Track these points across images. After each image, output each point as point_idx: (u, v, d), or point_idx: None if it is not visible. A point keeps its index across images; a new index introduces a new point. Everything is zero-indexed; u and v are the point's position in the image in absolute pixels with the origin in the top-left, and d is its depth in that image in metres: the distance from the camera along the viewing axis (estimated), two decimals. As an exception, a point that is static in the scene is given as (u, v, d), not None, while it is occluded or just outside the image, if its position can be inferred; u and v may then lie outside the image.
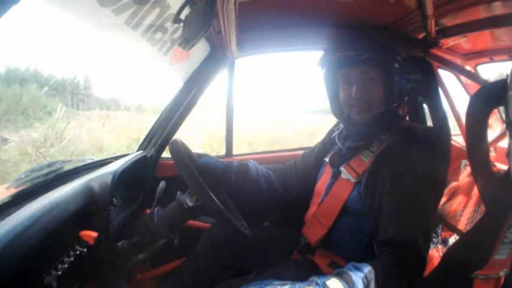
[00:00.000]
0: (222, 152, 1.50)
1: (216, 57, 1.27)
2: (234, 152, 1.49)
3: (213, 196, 0.82)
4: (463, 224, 1.28)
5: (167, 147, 1.17)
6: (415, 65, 1.05)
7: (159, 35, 0.93)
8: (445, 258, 0.82)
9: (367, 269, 0.69)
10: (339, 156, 0.97)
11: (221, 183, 1.02)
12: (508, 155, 0.65)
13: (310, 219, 0.96)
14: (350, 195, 0.87)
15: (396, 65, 0.88)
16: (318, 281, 0.68)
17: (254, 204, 1.08)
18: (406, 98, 0.95)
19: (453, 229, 1.30)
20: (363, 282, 0.67)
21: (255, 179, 1.04)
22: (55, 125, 4.52)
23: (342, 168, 0.90)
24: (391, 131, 0.89)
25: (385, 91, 0.87)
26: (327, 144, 1.09)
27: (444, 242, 1.25)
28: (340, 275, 0.68)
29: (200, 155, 1.03)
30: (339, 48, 0.90)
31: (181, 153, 0.87)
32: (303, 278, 0.72)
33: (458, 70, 1.52)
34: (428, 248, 0.77)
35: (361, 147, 0.90)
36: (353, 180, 0.87)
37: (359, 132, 0.92)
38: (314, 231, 0.93)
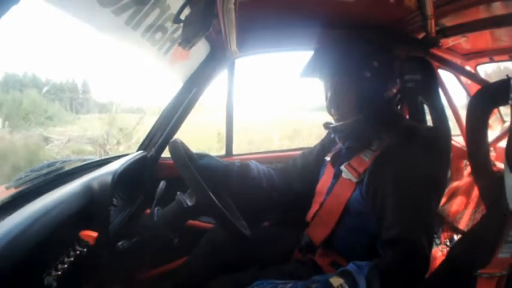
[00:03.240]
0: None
1: (216, 57, 1.27)
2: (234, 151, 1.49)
3: (213, 197, 0.82)
4: (464, 224, 1.28)
5: (167, 147, 1.17)
6: (415, 65, 1.05)
7: (159, 35, 0.93)
8: (448, 257, 0.82)
9: (370, 267, 0.69)
10: (340, 156, 0.97)
11: (222, 183, 1.02)
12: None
13: (313, 220, 0.96)
14: (351, 195, 0.87)
15: (367, 74, 0.86)
16: (320, 279, 0.68)
17: (256, 203, 1.09)
18: (398, 96, 0.94)
19: (454, 229, 1.30)
20: (366, 280, 0.67)
21: (256, 179, 1.04)
22: (112, 123, 4.45)
23: (342, 168, 0.90)
24: (391, 130, 0.88)
25: (357, 101, 0.88)
26: (326, 144, 1.09)
27: (445, 242, 1.25)
28: (342, 274, 0.69)
29: (201, 155, 1.03)
30: (309, 64, 0.94)
31: (181, 153, 0.87)
32: (304, 278, 0.72)
33: (458, 70, 1.52)
34: (431, 247, 0.77)
35: (362, 147, 0.90)
36: (354, 179, 0.87)
37: (346, 138, 0.94)
38: (318, 232, 0.92)
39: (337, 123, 0.92)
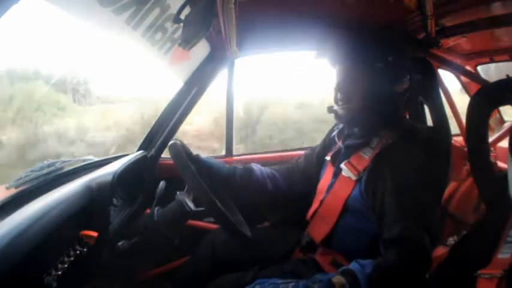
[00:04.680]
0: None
1: (216, 57, 1.27)
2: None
3: (214, 199, 0.82)
4: (464, 223, 1.28)
5: (167, 147, 1.17)
6: (415, 65, 1.05)
7: (159, 35, 0.93)
8: (448, 257, 0.82)
9: (373, 266, 0.69)
10: (340, 155, 0.97)
11: (225, 185, 1.01)
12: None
13: (313, 218, 0.96)
14: (351, 193, 0.87)
15: (379, 64, 0.87)
16: (323, 278, 0.68)
17: (259, 205, 1.09)
18: (407, 96, 0.94)
19: (454, 229, 1.30)
20: (368, 279, 0.67)
21: (260, 181, 1.04)
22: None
23: (342, 166, 0.90)
24: (391, 128, 0.88)
25: (365, 89, 0.88)
26: (327, 144, 1.09)
27: (445, 241, 1.25)
28: (344, 273, 0.69)
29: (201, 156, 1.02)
30: (325, 48, 0.95)
31: (182, 154, 0.86)
32: (305, 277, 0.72)
33: (458, 70, 1.52)
34: (433, 246, 0.77)
35: (360, 145, 0.90)
36: (354, 177, 0.87)
37: (347, 124, 0.94)
38: (318, 230, 0.92)
39: (340, 108, 0.91)
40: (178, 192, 0.92)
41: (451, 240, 1.26)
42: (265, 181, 1.05)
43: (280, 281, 0.71)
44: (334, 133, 1.02)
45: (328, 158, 1.02)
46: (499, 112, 1.64)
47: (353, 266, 0.70)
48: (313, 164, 1.09)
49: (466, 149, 0.93)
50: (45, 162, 0.94)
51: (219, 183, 1.00)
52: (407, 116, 1.18)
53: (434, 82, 1.05)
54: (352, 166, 0.88)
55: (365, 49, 0.90)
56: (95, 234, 0.73)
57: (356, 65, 0.89)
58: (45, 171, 0.90)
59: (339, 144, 0.98)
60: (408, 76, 0.92)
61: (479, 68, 1.63)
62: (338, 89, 0.92)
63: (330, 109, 0.95)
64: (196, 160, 0.98)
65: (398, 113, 0.96)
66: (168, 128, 1.28)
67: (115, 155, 1.17)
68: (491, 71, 1.74)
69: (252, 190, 1.04)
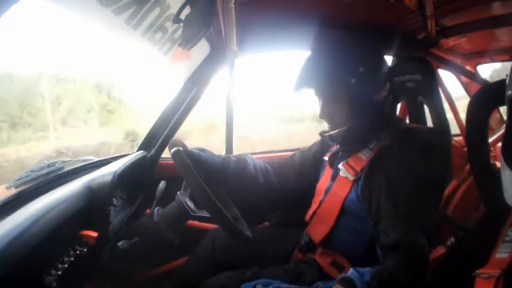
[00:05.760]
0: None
1: (216, 56, 1.27)
2: (234, 151, 1.49)
3: (214, 199, 0.82)
4: (464, 224, 1.28)
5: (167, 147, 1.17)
6: (415, 65, 1.05)
7: (159, 34, 0.93)
8: (446, 257, 0.83)
9: (372, 274, 0.69)
10: (337, 156, 0.97)
11: (218, 177, 1.00)
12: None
13: (312, 218, 0.96)
14: (348, 195, 0.87)
15: (353, 80, 0.85)
16: (323, 286, 0.68)
17: (251, 199, 1.07)
18: (390, 98, 0.93)
19: (453, 229, 1.30)
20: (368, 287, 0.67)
21: (252, 173, 1.03)
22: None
23: (340, 166, 0.90)
24: (387, 132, 0.88)
25: (347, 108, 0.87)
26: (324, 144, 1.09)
27: (445, 242, 1.25)
28: (344, 281, 0.69)
29: (199, 149, 1.02)
30: (300, 71, 0.92)
31: (181, 154, 0.86)
32: (304, 277, 0.72)
33: (458, 70, 1.52)
34: (431, 247, 0.77)
35: (357, 149, 0.90)
36: (351, 178, 0.87)
37: (343, 144, 0.93)
38: (317, 230, 0.92)
39: (332, 132, 0.90)
40: (178, 192, 0.92)
41: (451, 241, 1.26)
42: (257, 174, 1.04)
43: (284, 285, 0.71)
44: None
45: (326, 158, 1.02)
46: (499, 112, 1.63)
47: (352, 274, 0.70)
48: (309, 161, 1.08)
49: (466, 149, 0.92)
50: (45, 162, 0.94)
51: (212, 174, 0.97)
52: (408, 116, 1.18)
53: (434, 82, 1.04)
54: (349, 166, 0.88)
55: (334, 68, 0.87)
56: (95, 234, 0.74)
57: (330, 87, 0.87)
58: (45, 171, 0.90)
59: (337, 146, 0.98)
60: (386, 79, 0.90)
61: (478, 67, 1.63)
62: (322, 116, 0.91)
63: (322, 134, 0.94)
64: (189, 152, 0.96)
65: (391, 116, 0.96)
66: (168, 128, 1.28)
67: (115, 155, 1.17)
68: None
69: (244, 183, 1.03)
